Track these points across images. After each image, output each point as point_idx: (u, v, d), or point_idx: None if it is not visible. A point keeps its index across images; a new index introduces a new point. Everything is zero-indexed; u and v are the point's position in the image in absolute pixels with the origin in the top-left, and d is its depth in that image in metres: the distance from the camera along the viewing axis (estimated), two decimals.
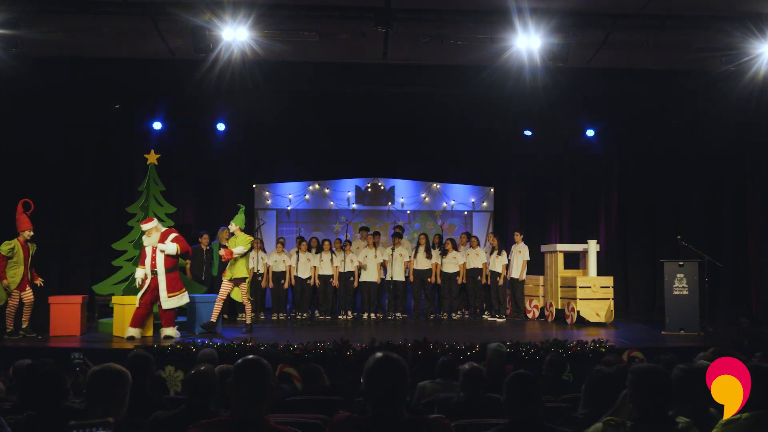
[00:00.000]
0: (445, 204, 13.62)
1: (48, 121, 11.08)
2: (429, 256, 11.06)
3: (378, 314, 11.13)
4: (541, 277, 11.10)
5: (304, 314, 11.02)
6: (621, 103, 11.32)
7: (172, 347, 7.29)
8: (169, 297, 8.42)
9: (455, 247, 11.17)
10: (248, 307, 9.06)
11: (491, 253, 11.10)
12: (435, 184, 13.59)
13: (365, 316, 11.05)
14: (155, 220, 8.66)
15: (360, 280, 11.03)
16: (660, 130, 11.82)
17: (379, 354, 2.43)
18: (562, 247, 10.99)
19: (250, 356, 2.60)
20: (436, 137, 12.61)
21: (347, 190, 13.46)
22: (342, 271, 11.00)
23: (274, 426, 2.49)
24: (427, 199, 13.60)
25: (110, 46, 8.92)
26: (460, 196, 13.66)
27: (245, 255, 8.87)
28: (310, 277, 10.97)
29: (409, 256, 11.20)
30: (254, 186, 13.25)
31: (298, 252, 11.09)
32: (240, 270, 8.79)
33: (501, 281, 10.94)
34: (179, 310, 9.84)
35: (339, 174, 13.39)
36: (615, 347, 7.48)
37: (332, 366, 6.34)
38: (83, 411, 3.05)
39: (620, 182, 12.72)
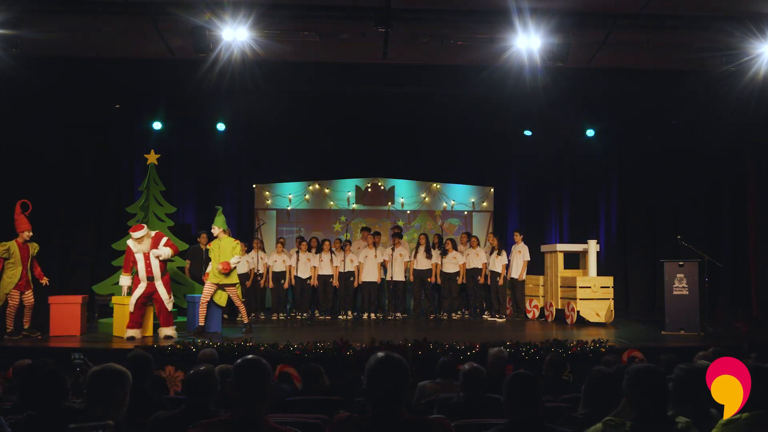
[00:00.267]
0: (445, 204, 13.62)
1: (48, 121, 11.09)
2: (429, 256, 11.06)
3: (378, 314, 11.13)
4: (541, 277, 11.10)
5: (304, 314, 11.02)
6: (621, 103, 11.32)
7: (172, 347, 7.29)
8: (169, 299, 8.53)
9: (455, 247, 11.18)
10: (243, 309, 9.06)
11: (491, 253, 11.10)
12: (435, 184, 13.59)
13: (365, 316, 11.05)
14: (145, 227, 8.59)
15: (360, 280, 11.04)
16: (660, 130, 11.83)
17: (380, 353, 2.43)
18: (562, 247, 10.99)
19: (250, 356, 2.60)
20: (436, 137, 12.61)
21: (347, 190, 13.46)
22: (342, 271, 11.00)
23: (274, 426, 2.49)
24: (427, 199, 13.60)
25: (110, 46, 8.91)
26: (460, 196, 13.66)
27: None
28: (310, 277, 10.97)
29: (409, 256, 11.21)
30: (254, 186, 13.25)
31: (298, 252, 11.09)
32: (231, 276, 8.79)
33: (501, 281, 10.94)
34: (179, 311, 9.88)
35: (339, 174, 13.39)
36: (615, 347, 7.49)
37: (332, 366, 6.33)
38: (83, 411, 3.05)
39: (620, 182, 12.73)
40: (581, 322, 10.00)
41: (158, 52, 9.01)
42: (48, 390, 3.24)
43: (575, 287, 10.10)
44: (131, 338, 8.12)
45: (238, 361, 2.57)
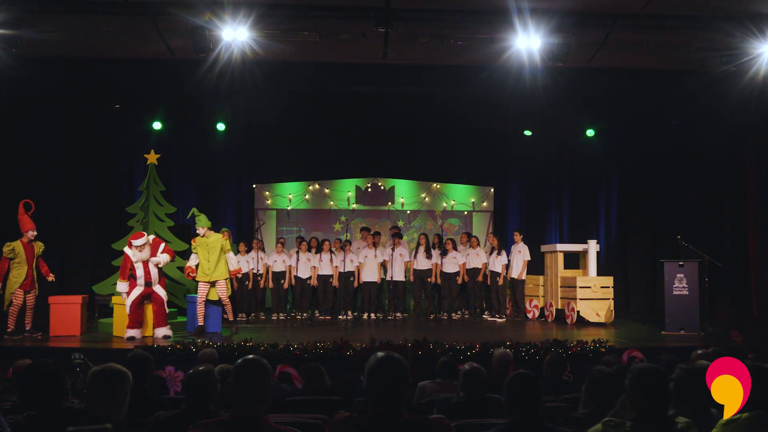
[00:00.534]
0: (445, 204, 13.62)
1: (48, 121, 11.10)
2: (429, 256, 11.06)
3: (378, 314, 11.13)
4: (541, 277, 11.10)
5: (304, 314, 11.02)
6: (621, 103, 11.32)
7: (172, 347, 7.30)
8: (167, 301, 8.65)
9: (455, 247, 11.18)
10: (230, 307, 9.07)
11: (491, 253, 11.10)
12: (435, 184, 13.59)
13: (365, 316, 11.05)
14: (146, 234, 8.63)
15: (360, 280, 11.05)
16: (660, 130, 11.83)
17: (380, 353, 2.43)
18: (562, 247, 10.99)
19: (250, 356, 2.60)
20: (436, 137, 12.61)
21: (347, 190, 13.46)
22: (342, 271, 11.00)
23: (274, 426, 2.49)
24: (427, 199, 13.60)
25: (110, 46, 8.91)
26: (460, 196, 13.67)
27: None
28: (310, 277, 10.97)
29: (409, 256, 11.21)
30: (254, 186, 13.25)
31: (298, 252, 11.09)
32: (220, 271, 8.83)
33: (501, 281, 10.94)
34: (179, 311, 9.89)
35: (339, 174, 13.39)
36: (615, 347, 7.49)
37: (332, 366, 6.33)
38: (83, 411, 3.05)
39: (620, 182, 12.73)
40: (581, 322, 10.00)
41: (158, 52, 9.01)
42: (48, 390, 3.24)
43: (575, 287, 10.10)
44: (131, 338, 8.13)
45: (239, 361, 2.57)
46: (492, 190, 13.65)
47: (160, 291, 8.48)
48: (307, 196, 13.41)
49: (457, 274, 11.04)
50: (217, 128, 12.06)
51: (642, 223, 12.53)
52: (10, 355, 6.83)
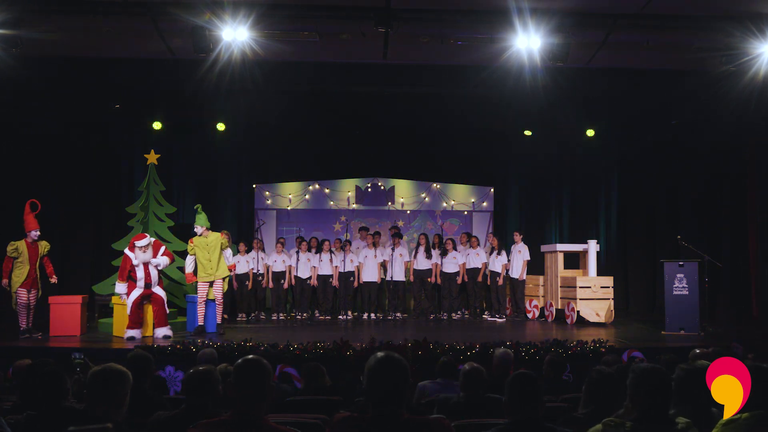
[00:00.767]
0: (445, 204, 13.62)
1: (48, 121, 11.09)
2: (429, 256, 11.06)
3: (378, 314, 11.13)
4: (541, 277, 11.10)
5: (304, 314, 11.02)
6: (621, 103, 11.32)
7: (172, 347, 7.29)
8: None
9: (455, 247, 11.18)
10: (221, 308, 9.10)
11: (491, 253, 11.10)
12: (435, 184, 13.59)
13: (365, 316, 11.05)
14: (148, 236, 8.70)
15: (360, 280, 11.05)
16: (660, 130, 11.82)
17: (380, 353, 2.43)
18: (562, 247, 10.99)
19: (250, 356, 2.60)
20: (436, 137, 12.61)
21: (347, 190, 13.46)
22: (342, 271, 11.00)
23: (274, 426, 2.49)
24: (427, 199, 13.60)
25: (110, 46, 8.91)
26: (460, 196, 13.66)
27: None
28: (310, 277, 10.97)
29: (409, 256, 11.21)
30: (254, 186, 13.25)
31: (298, 252, 11.09)
32: (220, 270, 8.88)
33: (501, 281, 10.95)
34: (179, 311, 9.90)
35: (339, 174, 13.39)
36: (615, 347, 7.49)
37: (332, 366, 6.33)
38: (83, 411, 3.05)
39: (620, 182, 12.73)
40: (581, 322, 10.00)
41: (158, 52, 9.00)
42: (48, 390, 3.24)
43: (575, 287, 10.10)
44: (131, 338, 8.13)
45: (239, 361, 2.57)
46: (492, 190, 13.65)
47: (159, 291, 8.51)
48: (307, 196, 13.41)
49: (457, 274, 11.04)
50: (217, 128, 12.05)
51: (642, 223, 12.53)
52: (10, 355, 6.83)
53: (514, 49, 8.28)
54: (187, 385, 3.35)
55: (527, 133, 12.50)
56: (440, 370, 5.02)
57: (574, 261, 11.07)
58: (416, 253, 11.13)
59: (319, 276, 10.96)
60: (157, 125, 11.87)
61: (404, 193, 13.60)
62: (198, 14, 7.71)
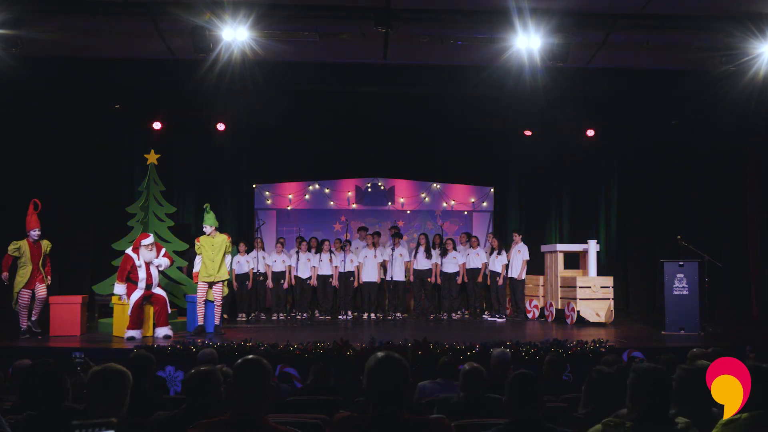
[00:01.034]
0: (445, 204, 13.62)
1: (48, 121, 11.09)
2: (429, 256, 11.06)
3: (378, 314, 11.13)
4: (541, 277, 11.10)
5: (304, 314, 11.02)
6: (621, 103, 11.32)
7: (172, 347, 7.29)
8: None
9: (455, 247, 11.18)
10: (219, 310, 9.10)
11: (491, 253, 11.10)
12: (435, 184, 13.58)
13: (365, 316, 11.05)
14: (152, 235, 8.77)
15: (360, 280, 11.05)
16: (660, 130, 11.82)
17: (380, 353, 2.43)
18: (562, 247, 10.99)
19: (250, 356, 2.60)
20: (436, 137, 12.60)
21: (347, 190, 13.46)
22: (342, 271, 11.00)
23: (274, 426, 2.49)
24: (427, 199, 13.60)
25: (110, 46, 8.91)
26: (460, 196, 13.66)
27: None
28: (310, 277, 10.97)
29: (409, 256, 11.21)
30: (254, 186, 13.24)
31: (298, 252, 11.09)
32: (223, 272, 8.91)
33: (501, 281, 10.95)
34: (179, 311, 9.90)
35: (339, 174, 13.38)
36: (615, 347, 7.49)
37: (332, 366, 6.33)
38: (83, 411, 3.05)
39: (620, 182, 12.72)
40: (581, 322, 10.00)
41: (158, 52, 9.01)
42: (48, 390, 3.24)
43: (575, 287, 10.10)
44: (131, 338, 8.13)
45: (239, 361, 2.57)
46: (492, 190, 13.65)
47: (161, 292, 8.53)
48: (307, 196, 13.41)
49: (457, 274, 11.04)
50: (217, 128, 12.05)
51: (642, 223, 12.53)
52: (10, 355, 6.83)
53: (514, 49, 8.28)
54: (188, 386, 3.35)
55: (527, 133, 12.50)
56: (441, 370, 5.02)
57: (574, 261, 11.07)
58: (416, 253, 11.13)
59: (319, 276, 10.96)
60: (157, 125, 11.86)
61: (404, 193, 13.59)
62: (198, 14, 7.71)
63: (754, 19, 7.84)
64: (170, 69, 9.55)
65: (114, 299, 8.95)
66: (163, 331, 8.36)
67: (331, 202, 13.48)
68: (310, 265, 10.98)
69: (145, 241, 8.47)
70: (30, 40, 7.97)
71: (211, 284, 8.91)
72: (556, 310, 10.58)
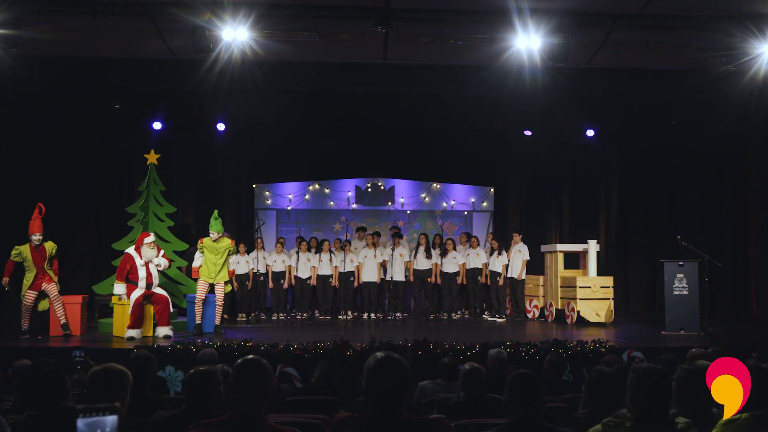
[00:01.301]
0: (445, 204, 13.62)
1: (48, 121, 11.08)
2: (429, 256, 11.07)
3: (378, 314, 11.13)
4: (541, 277, 11.10)
5: (304, 314, 11.01)
6: (621, 103, 11.31)
7: (172, 347, 7.29)
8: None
9: (455, 247, 11.18)
10: (221, 310, 9.13)
11: (491, 254, 11.10)
12: (435, 184, 13.59)
13: (365, 316, 11.05)
14: (153, 234, 8.84)
15: (360, 280, 11.05)
16: (660, 130, 11.81)
17: (380, 353, 2.43)
18: (562, 247, 10.99)
19: (250, 356, 2.60)
20: (436, 137, 12.60)
21: (347, 190, 13.46)
22: (342, 271, 11.00)
23: (274, 426, 2.49)
24: (427, 199, 13.60)
25: (110, 46, 8.91)
26: (460, 196, 13.66)
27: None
28: (310, 277, 10.97)
29: (409, 256, 11.21)
30: (254, 186, 13.24)
31: (298, 252, 11.09)
32: (222, 274, 8.93)
33: (501, 281, 10.95)
34: (179, 311, 9.90)
35: (339, 174, 13.38)
36: (615, 347, 7.49)
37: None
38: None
39: (620, 182, 12.72)
40: (581, 322, 10.00)
41: (158, 52, 9.00)
42: (48, 390, 3.24)
43: (575, 287, 10.10)
44: (131, 338, 8.13)
45: (239, 361, 2.57)
46: (492, 190, 13.65)
47: (162, 291, 8.54)
48: (307, 196, 13.41)
49: (457, 274, 11.04)
50: (217, 128, 12.05)
51: (642, 223, 12.52)
52: (10, 355, 6.82)
53: (514, 49, 8.28)
54: (188, 386, 3.35)
55: (527, 133, 12.49)
56: (441, 371, 5.02)
57: (574, 261, 11.07)
58: (416, 253, 11.13)
59: (319, 276, 10.96)
60: (157, 125, 11.85)
61: (404, 193, 13.60)
62: (198, 14, 7.71)
63: (754, 19, 7.84)
64: (170, 69, 9.55)
65: (114, 299, 8.94)
66: (163, 331, 8.36)
67: (331, 202, 13.49)
68: (310, 265, 10.98)
69: (147, 239, 8.54)
70: (30, 40, 7.97)
71: (211, 285, 8.94)
72: (556, 310, 10.58)
